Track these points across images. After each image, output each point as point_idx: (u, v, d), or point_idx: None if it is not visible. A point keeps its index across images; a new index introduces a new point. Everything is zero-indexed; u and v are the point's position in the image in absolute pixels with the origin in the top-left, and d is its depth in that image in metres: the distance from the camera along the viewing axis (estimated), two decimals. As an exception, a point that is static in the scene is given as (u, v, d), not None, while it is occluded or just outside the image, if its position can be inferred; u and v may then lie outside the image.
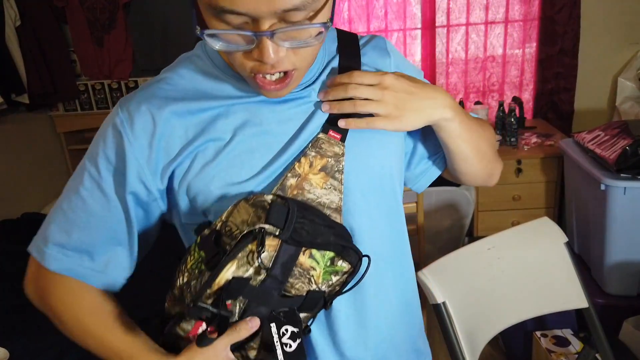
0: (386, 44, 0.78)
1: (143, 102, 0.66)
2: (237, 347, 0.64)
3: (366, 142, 0.72)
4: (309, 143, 0.67)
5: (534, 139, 2.57)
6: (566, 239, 1.24)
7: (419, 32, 2.89)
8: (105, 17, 2.86)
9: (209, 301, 0.58)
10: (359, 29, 2.91)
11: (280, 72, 0.61)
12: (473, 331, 1.12)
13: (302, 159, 0.66)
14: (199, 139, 0.66)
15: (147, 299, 1.41)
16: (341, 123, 0.69)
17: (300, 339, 0.63)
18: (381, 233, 0.74)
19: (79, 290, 0.70)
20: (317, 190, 0.66)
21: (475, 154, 0.78)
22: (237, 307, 0.60)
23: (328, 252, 0.62)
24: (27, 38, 2.68)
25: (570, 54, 2.74)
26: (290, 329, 0.62)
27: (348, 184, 0.69)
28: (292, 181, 0.65)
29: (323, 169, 0.67)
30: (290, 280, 0.61)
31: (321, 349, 0.72)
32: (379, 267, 0.71)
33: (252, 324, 0.61)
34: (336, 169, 0.68)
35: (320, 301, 0.64)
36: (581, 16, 2.67)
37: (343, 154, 0.68)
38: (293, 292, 0.62)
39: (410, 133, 0.82)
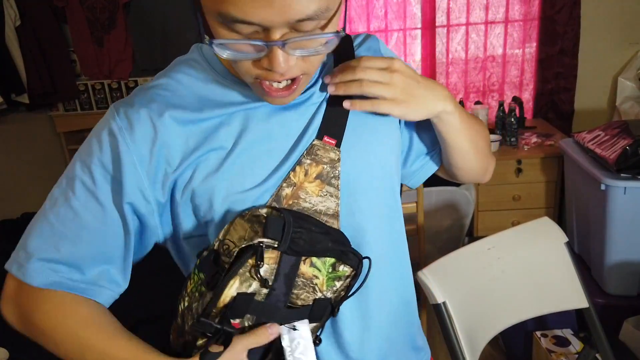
0: (379, 45, 0.78)
1: (142, 107, 0.63)
2: None
3: (365, 142, 0.71)
4: (304, 150, 0.67)
5: (534, 139, 2.57)
6: (566, 239, 1.24)
7: (419, 32, 2.89)
8: (105, 17, 2.86)
9: (216, 320, 0.57)
10: (359, 28, 2.91)
11: (287, 80, 0.60)
12: (473, 331, 1.12)
13: (297, 168, 0.66)
14: (200, 148, 0.64)
15: (146, 299, 1.41)
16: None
17: (314, 350, 0.62)
18: (382, 233, 0.74)
19: (72, 303, 0.63)
20: (312, 198, 0.66)
21: (472, 148, 0.79)
22: (246, 324, 0.60)
23: (328, 258, 0.62)
24: (27, 38, 2.68)
25: (570, 54, 2.74)
26: (302, 342, 0.62)
27: (349, 185, 0.69)
28: (287, 191, 0.65)
29: (318, 176, 0.66)
30: (295, 291, 0.61)
31: (326, 351, 0.72)
32: (380, 267, 0.71)
33: (271, 331, 0.59)
34: (332, 175, 0.67)
35: (328, 308, 0.64)
36: (581, 16, 2.67)
37: (339, 160, 0.68)
38: (299, 302, 0.62)
39: (407, 130, 0.82)
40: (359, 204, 0.70)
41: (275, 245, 0.57)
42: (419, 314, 1.41)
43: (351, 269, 0.64)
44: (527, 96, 2.93)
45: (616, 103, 2.72)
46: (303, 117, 0.69)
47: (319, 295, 0.62)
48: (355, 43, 0.77)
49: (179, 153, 0.64)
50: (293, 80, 0.60)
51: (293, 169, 0.65)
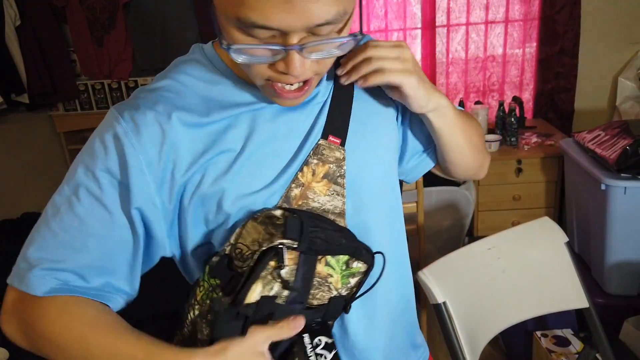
0: None
1: (149, 110, 0.62)
2: None
3: (368, 140, 0.72)
4: (311, 150, 0.67)
5: (534, 139, 2.57)
6: (566, 239, 1.24)
7: (419, 31, 2.89)
8: (105, 17, 2.86)
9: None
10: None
11: (300, 81, 0.60)
12: (473, 331, 1.12)
13: (305, 168, 0.66)
14: (209, 151, 0.63)
15: (147, 300, 1.41)
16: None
17: (335, 350, 0.62)
18: (384, 231, 0.74)
19: (76, 305, 0.61)
20: (320, 197, 0.66)
21: (468, 144, 0.79)
22: None
23: (341, 256, 0.62)
24: (27, 38, 2.68)
25: (571, 54, 2.74)
26: (325, 339, 0.62)
27: (354, 184, 0.69)
28: (296, 192, 0.65)
29: (325, 176, 0.67)
30: (312, 291, 0.61)
31: None
32: (378, 268, 0.72)
33: (295, 324, 0.57)
34: (338, 174, 0.67)
35: (341, 306, 0.64)
36: (581, 16, 2.67)
37: (344, 158, 0.68)
38: (315, 302, 0.62)
39: (401, 128, 0.82)
40: (364, 202, 0.71)
41: (295, 246, 0.57)
42: (419, 313, 1.41)
43: (365, 265, 0.64)
44: (527, 96, 2.93)
45: (616, 103, 2.72)
46: (308, 117, 0.69)
47: (334, 293, 0.63)
48: None
49: (187, 156, 0.62)
50: (305, 81, 0.61)
51: (301, 170, 0.65)
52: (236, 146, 0.64)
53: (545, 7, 2.70)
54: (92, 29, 2.89)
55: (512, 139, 2.58)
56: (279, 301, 0.58)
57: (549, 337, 1.78)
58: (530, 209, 2.57)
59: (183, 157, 0.62)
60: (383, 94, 0.75)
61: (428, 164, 0.87)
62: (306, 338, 0.60)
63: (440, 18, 2.84)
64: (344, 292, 0.64)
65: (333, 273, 0.62)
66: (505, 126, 2.60)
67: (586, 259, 2.12)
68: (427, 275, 1.08)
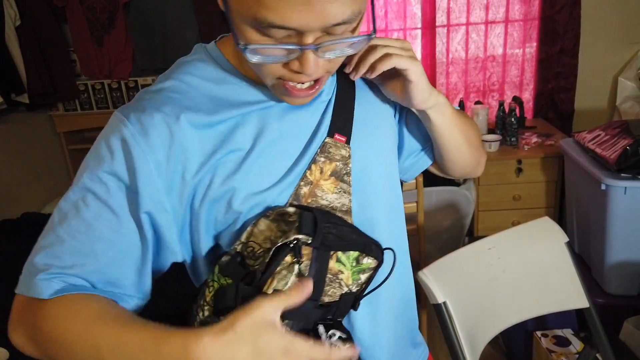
0: None
1: (155, 111, 0.61)
2: None
3: (370, 138, 0.73)
4: (318, 148, 0.67)
5: (534, 139, 2.56)
6: (567, 239, 1.24)
7: (419, 31, 2.89)
8: (105, 17, 2.86)
9: None
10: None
11: (311, 80, 0.61)
12: (474, 331, 1.12)
13: (313, 166, 0.66)
14: (218, 151, 0.62)
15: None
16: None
17: (351, 343, 0.62)
18: (387, 228, 0.75)
19: (83, 300, 0.59)
20: (329, 195, 0.66)
21: (466, 141, 0.80)
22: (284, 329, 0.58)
23: (352, 252, 0.62)
24: (27, 38, 2.68)
25: (571, 54, 2.74)
26: (339, 333, 0.61)
27: (359, 181, 0.70)
28: (305, 190, 0.65)
29: (333, 173, 0.67)
30: (324, 287, 0.61)
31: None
32: (385, 264, 0.72)
33: (304, 288, 0.53)
34: (344, 171, 0.68)
35: (351, 303, 0.65)
36: (581, 16, 2.67)
37: (350, 156, 0.69)
38: (327, 299, 0.62)
39: (398, 126, 0.83)
40: (368, 200, 0.71)
41: (309, 242, 0.57)
42: (419, 313, 1.41)
43: (375, 261, 0.64)
44: (528, 96, 2.93)
45: (616, 103, 2.72)
46: (314, 115, 0.69)
47: (345, 290, 0.63)
48: None
49: (196, 158, 0.62)
50: (316, 80, 0.61)
51: (309, 168, 0.66)
52: (245, 145, 0.64)
53: (545, 7, 2.70)
54: (92, 29, 2.89)
55: (512, 139, 2.58)
56: None
57: (549, 337, 1.78)
58: (530, 209, 2.57)
59: (192, 159, 0.62)
60: (382, 94, 0.76)
61: (425, 163, 0.88)
62: (320, 328, 0.60)
63: (441, 18, 2.84)
64: (354, 289, 0.64)
65: (344, 269, 0.62)
66: (505, 126, 2.60)
67: (586, 258, 2.12)
68: (427, 275, 1.08)
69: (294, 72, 0.58)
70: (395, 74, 0.71)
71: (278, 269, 0.57)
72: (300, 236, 0.57)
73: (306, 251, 0.58)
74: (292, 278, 0.57)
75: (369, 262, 0.64)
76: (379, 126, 0.75)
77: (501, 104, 2.68)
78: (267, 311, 0.50)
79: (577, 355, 1.68)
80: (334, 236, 0.60)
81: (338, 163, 0.68)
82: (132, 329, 0.55)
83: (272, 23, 0.51)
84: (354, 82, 0.74)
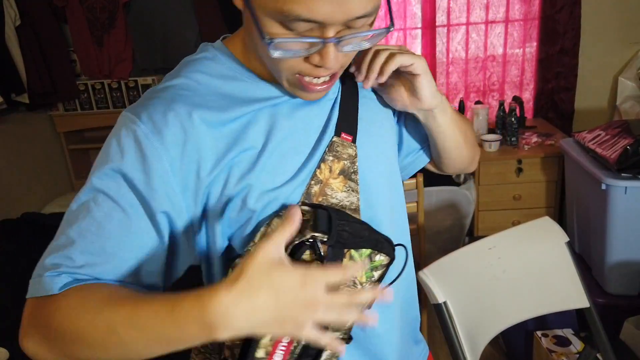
0: None
1: (167, 110, 0.60)
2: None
3: (374, 137, 0.74)
4: (326, 147, 0.68)
5: (534, 139, 2.56)
6: (567, 239, 1.24)
7: (419, 31, 2.89)
8: (105, 17, 2.86)
9: None
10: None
11: (327, 75, 0.62)
12: (474, 331, 1.12)
13: (322, 165, 0.66)
14: (232, 150, 0.62)
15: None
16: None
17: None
18: (389, 228, 0.75)
19: (92, 287, 0.57)
20: (338, 194, 0.67)
21: (464, 139, 0.83)
22: None
23: (364, 250, 0.62)
24: (27, 38, 2.67)
25: (571, 54, 2.74)
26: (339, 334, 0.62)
27: (365, 180, 0.71)
28: (315, 188, 0.66)
29: (341, 172, 0.68)
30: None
31: (348, 347, 0.72)
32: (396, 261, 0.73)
33: (290, 213, 0.53)
34: (352, 170, 0.69)
35: None
36: (582, 15, 2.67)
37: (356, 155, 0.70)
38: None
39: (397, 126, 0.85)
40: (373, 198, 0.72)
41: (325, 239, 0.57)
42: (420, 313, 1.41)
43: (387, 258, 0.64)
44: (528, 96, 2.93)
45: (617, 103, 2.72)
46: (321, 113, 0.70)
47: (359, 288, 0.62)
48: None
49: (210, 156, 0.61)
50: (332, 75, 0.62)
51: (319, 167, 0.66)
52: (258, 143, 0.64)
53: (546, 7, 2.70)
54: (92, 29, 2.88)
55: (513, 139, 2.57)
56: None
57: (549, 336, 1.78)
58: (530, 209, 2.57)
59: (206, 157, 0.61)
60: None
61: (422, 161, 0.90)
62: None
63: (441, 18, 2.83)
64: (367, 286, 0.64)
65: None
66: (506, 126, 2.60)
67: (587, 258, 2.11)
68: (428, 275, 1.08)
69: (313, 66, 0.59)
70: (399, 80, 0.73)
71: None
72: (316, 234, 0.57)
73: (322, 249, 0.58)
74: None
75: (381, 259, 0.64)
76: (381, 126, 0.76)
77: (501, 104, 2.68)
78: (270, 250, 0.50)
79: (577, 355, 1.68)
80: (348, 233, 0.60)
81: (346, 162, 0.68)
82: (144, 303, 0.53)
83: (299, 16, 0.52)
84: (356, 82, 0.75)
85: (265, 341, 0.54)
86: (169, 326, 0.50)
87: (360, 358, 0.74)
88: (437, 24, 2.84)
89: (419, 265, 1.97)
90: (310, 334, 0.50)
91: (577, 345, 1.73)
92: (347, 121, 0.70)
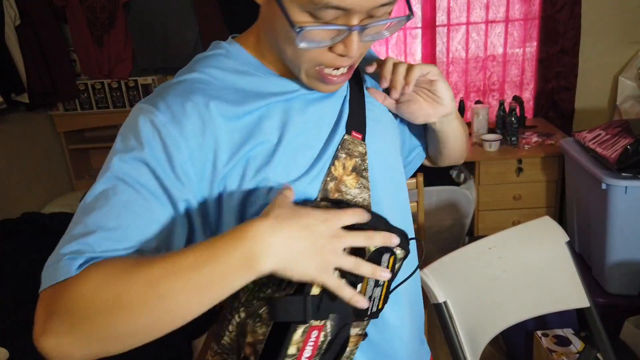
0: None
1: (186, 100, 0.61)
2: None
3: (380, 135, 0.75)
4: (339, 145, 0.69)
5: (534, 138, 2.56)
6: (567, 238, 1.24)
7: (419, 31, 2.89)
8: (105, 17, 2.85)
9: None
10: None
11: (346, 66, 0.63)
12: (474, 331, 1.12)
13: (336, 162, 0.68)
14: (247, 143, 0.63)
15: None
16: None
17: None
18: (396, 223, 0.76)
19: (115, 259, 0.54)
20: (351, 190, 0.68)
21: (465, 138, 0.88)
22: (329, 327, 0.56)
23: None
24: (27, 37, 2.67)
25: (571, 53, 2.74)
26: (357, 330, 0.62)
27: (374, 177, 0.72)
28: (331, 185, 0.67)
29: (354, 169, 0.69)
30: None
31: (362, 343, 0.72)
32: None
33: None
34: (363, 167, 0.70)
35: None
36: (582, 15, 2.67)
37: (366, 153, 0.71)
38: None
39: (400, 126, 0.87)
40: (382, 195, 0.74)
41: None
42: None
43: (403, 251, 0.64)
44: (528, 95, 2.93)
45: (617, 102, 2.72)
46: (332, 110, 0.71)
47: (380, 283, 0.62)
48: None
49: (226, 147, 0.62)
50: (349, 67, 0.64)
51: (333, 163, 0.67)
52: (273, 137, 0.65)
53: (546, 7, 2.70)
54: (92, 29, 2.88)
55: (513, 139, 2.57)
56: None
57: (549, 336, 1.78)
58: (530, 209, 2.57)
59: (223, 148, 0.62)
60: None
61: (421, 157, 0.94)
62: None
63: (441, 17, 2.83)
64: (381, 282, 0.63)
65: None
66: (506, 125, 2.60)
67: (587, 258, 2.11)
68: (428, 274, 1.08)
69: (336, 55, 0.60)
70: (415, 93, 0.76)
71: None
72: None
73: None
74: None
75: (397, 252, 0.63)
76: (387, 125, 0.78)
77: (501, 104, 2.68)
78: (289, 196, 0.56)
79: (577, 355, 1.68)
80: (368, 227, 0.60)
81: (357, 159, 0.70)
82: (180, 252, 0.52)
83: (328, 3, 0.53)
84: (362, 82, 0.77)
85: (297, 337, 0.54)
86: (210, 264, 0.49)
87: (372, 354, 0.74)
88: (437, 23, 2.84)
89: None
90: (335, 281, 0.53)
91: (577, 345, 1.73)
92: (357, 119, 0.72)
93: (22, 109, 2.81)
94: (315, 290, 0.54)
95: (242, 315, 0.60)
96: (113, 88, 3.01)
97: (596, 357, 1.30)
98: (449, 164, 0.95)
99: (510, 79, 2.92)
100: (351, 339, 0.61)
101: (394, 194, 0.77)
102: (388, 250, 0.59)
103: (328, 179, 0.66)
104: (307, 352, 0.54)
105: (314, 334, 0.55)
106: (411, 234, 0.82)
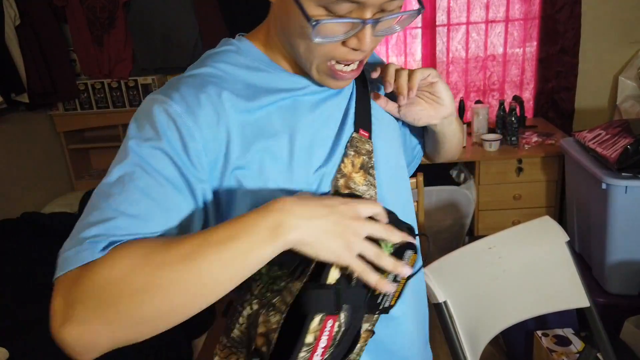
0: None
1: (200, 92, 0.61)
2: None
3: (385, 134, 0.77)
4: (347, 142, 0.70)
5: (534, 138, 2.56)
6: (567, 238, 1.24)
7: (419, 31, 2.89)
8: (105, 17, 2.86)
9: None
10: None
11: (356, 62, 0.64)
12: (474, 330, 1.12)
13: (345, 160, 0.69)
14: (260, 138, 0.64)
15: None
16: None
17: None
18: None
19: (142, 240, 0.54)
20: (360, 187, 0.69)
21: (462, 135, 0.91)
22: (343, 317, 0.56)
23: None
24: (27, 37, 2.67)
25: (571, 53, 2.73)
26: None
27: (380, 175, 0.73)
28: (341, 181, 0.68)
29: (361, 167, 0.70)
30: None
31: (372, 341, 0.71)
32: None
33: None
34: (369, 165, 0.71)
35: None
36: (582, 15, 2.67)
37: (372, 151, 0.72)
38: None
39: (402, 126, 0.89)
40: (387, 192, 0.75)
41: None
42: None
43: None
44: (528, 95, 2.93)
45: (617, 102, 2.72)
46: (339, 108, 0.72)
47: (390, 277, 0.62)
48: None
49: (239, 141, 0.62)
50: (359, 63, 0.65)
51: (342, 161, 0.68)
52: (285, 133, 0.66)
53: (546, 6, 2.70)
54: (92, 29, 2.88)
55: (513, 138, 2.57)
56: (352, 283, 0.57)
57: (549, 336, 1.78)
58: (530, 209, 2.57)
59: (235, 141, 0.62)
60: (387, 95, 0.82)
61: (420, 155, 0.97)
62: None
63: (441, 17, 2.83)
64: (391, 278, 0.63)
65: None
66: (506, 125, 2.60)
67: (587, 258, 2.11)
68: (428, 274, 1.08)
69: (348, 49, 0.61)
70: (417, 97, 0.78)
71: None
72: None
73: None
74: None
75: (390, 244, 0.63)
76: (389, 124, 0.80)
77: (501, 103, 2.68)
78: (347, 220, 0.56)
79: (577, 355, 1.68)
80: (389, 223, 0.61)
81: (364, 157, 0.71)
82: (210, 229, 0.52)
83: None
84: (367, 81, 0.78)
85: (314, 325, 0.54)
86: (240, 237, 0.51)
87: (374, 349, 0.73)
88: (437, 23, 2.84)
89: (419, 265, 1.97)
90: (360, 264, 0.54)
91: (577, 344, 1.73)
92: (363, 118, 0.73)
93: (22, 109, 2.81)
94: (331, 279, 0.55)
95: (255, 307, 0.60)
96: (113, 88, 3.01)
97: (596, 357, 1.30)
98: (444, 161, 0.97)
99: (510, 78, 2.92)
100: (361, 335, 0.62)
101: (398, 191, 0.78)
102: (412, 247, 0.60)
103: (338, 175, 0.67)
104: (323, 341, 0.54)
105: (329, 323, 0.55)
106: (415, 228, 0.83)
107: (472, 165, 2.59)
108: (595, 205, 1.94)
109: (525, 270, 1.22)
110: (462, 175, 2.74)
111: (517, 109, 2.59)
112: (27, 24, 2.67)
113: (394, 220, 0.62)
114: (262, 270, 0.59)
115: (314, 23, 0.56)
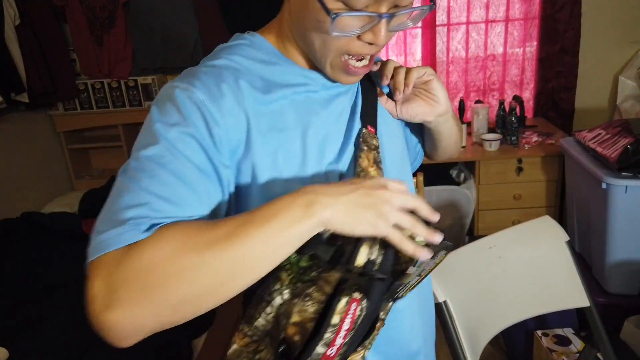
0: None
1: (220, 81, 0.63)
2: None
3: (388, 130, 0.78)
4: (359, 138, 0.71)
5: (534, 138, 2.56)
6: (567, 238, 1.24)
7: (419, 30, 2.89)
8: (105, 16, 2.85)
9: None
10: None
11: (368, 57, 0.66)
12: (474, 330, 1.12)
13: (362, 155, 0.70)
14: (274, 130, 0.65)
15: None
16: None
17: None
18: None
19: (179, 223, 0.54)
20: None
21: (460, 134, 0.92)
22: (365, 302, 0.56)
23: (407, 229, 0.63)
24: (27, 37, 2.67)
25: (571, 53, 2.74)
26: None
27: (386, 170, 0.75)
28: (362, 176, 0.69)
29: (374, 162, 0.71)
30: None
31: (381, 337, 0.71)
32: None
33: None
34: (378, 160, 0.72)
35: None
36: (582, 15, 2.67)
37: (379, 146, 0.74)
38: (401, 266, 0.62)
39: (403, 125, 0.91)
40: None
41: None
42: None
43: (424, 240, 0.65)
44: (528, 95, 2.93)
45: (617, 102, 2.72)
46: (348, 104, 0.74)
47: (404, 267, 0.62)
48: None
49: (256, 132, 0.64)
50: (370, 58, 0.67)
51: (359, 155, 0.70)
52: (299, 126, 0.67)
53: (546, 6, 2.70)
54: (92, 29, 2.88)
55: (513, 138, 2.57)
56: (376, 267, 0.58)
57: (549, 336, 1.78)
58: (530, 208, 2.57)
59: (253, 132, 0.63)
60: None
61: (422, 153, 0.99)
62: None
63: (441, 17, 2.83)
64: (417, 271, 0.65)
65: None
66: (506, 125, 2.60)
67: (587, 258, 2.11)
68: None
69: (363, 43, 0.62)
70: (413, 94, 0.80)
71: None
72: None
73: None
74: (375, 251, 0.58)
75: (419, 240, 0.64)
76: (392, 121, 0.81)
77: (501, 103, 2.68)
78: (384, 210, 0.56)
79: (577, 355, 1.68)
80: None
81: (374, 152, 0.72)
82: (247, 214, 0.53)
83: None
84: (372, 78, 0.80)
85: (341, 306, 0.54)
86: (276, 218, 0.52)
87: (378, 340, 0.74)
88: (437, 23, 2.84)
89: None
90: (397, 233, 0.55)
91: (577, 344, 1.73)
92: (369, 114, 0.75)
93: (22, 109, 2.81)
94: (360, 261, 0.56)
95: (286, 296, 0.60)
96: (113, 88, 3.00)
97: (596, 356, 1.30)
98: (443, 159, 0.99)
99: (510, 78, 2.92)
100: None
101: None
102: (447, 248, 0.60)
103: (358, 170, 0.69)
104: (347, 324, 0.55)
105: (354, 306, 0.55)
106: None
107: (472, 165, 2.59)
108: (595, 205, 1.94)
109: (525, 270, 1.22)
110: (462, 175, 2.74)
111: (517, 109, 2.59)
112: (27, 23, 2.67)
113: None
114: (292, 259, 0.60)
115: (333, 16, 0.57)
